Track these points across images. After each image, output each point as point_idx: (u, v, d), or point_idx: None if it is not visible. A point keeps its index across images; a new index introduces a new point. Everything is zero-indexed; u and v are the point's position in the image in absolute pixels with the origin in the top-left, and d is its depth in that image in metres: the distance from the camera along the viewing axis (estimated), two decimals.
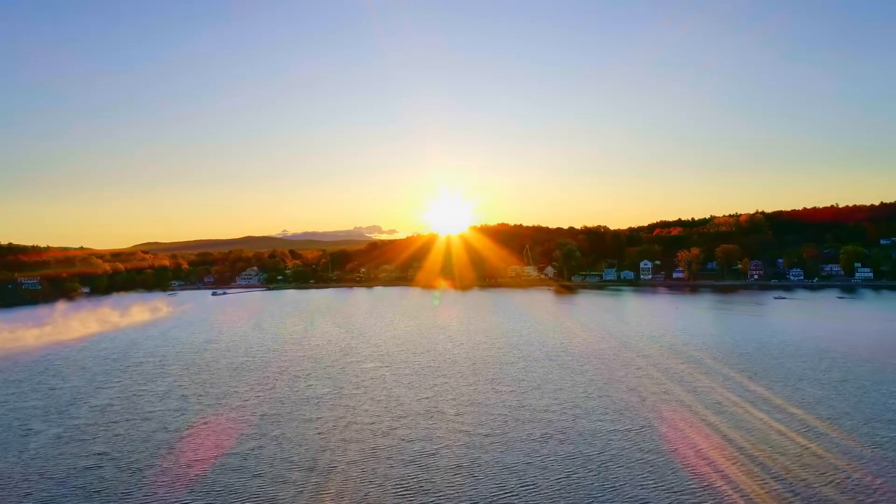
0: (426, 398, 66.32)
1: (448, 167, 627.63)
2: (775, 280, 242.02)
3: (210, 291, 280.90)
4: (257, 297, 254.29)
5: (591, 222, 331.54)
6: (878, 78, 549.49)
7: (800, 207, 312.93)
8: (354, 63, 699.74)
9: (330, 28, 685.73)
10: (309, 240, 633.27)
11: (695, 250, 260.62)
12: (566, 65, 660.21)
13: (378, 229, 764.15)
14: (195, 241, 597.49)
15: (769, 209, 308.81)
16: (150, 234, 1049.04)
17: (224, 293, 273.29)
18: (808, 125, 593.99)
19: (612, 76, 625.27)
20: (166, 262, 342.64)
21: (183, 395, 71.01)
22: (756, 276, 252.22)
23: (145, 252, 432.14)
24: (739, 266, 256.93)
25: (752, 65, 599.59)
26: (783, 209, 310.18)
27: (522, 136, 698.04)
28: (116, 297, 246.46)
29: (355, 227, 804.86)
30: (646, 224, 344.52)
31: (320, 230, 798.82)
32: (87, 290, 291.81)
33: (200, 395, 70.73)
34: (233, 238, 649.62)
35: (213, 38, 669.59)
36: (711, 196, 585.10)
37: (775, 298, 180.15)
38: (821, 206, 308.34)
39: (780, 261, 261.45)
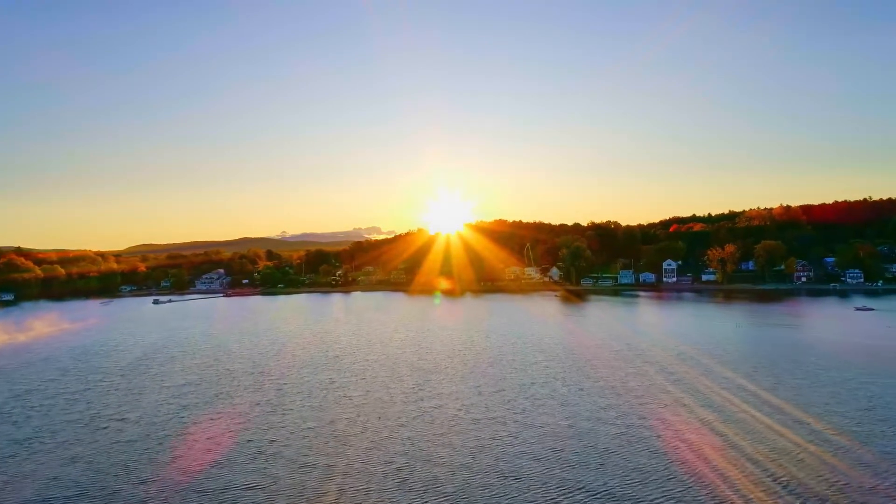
0: None
1: (447, 167, 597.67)
2: (834, 284, 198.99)
3: (152, 299, 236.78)
4: (206, 305, 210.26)
5: (594, 220, 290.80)
6: (879, 76, 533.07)
7: (822, 203, 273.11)
8: (353, 63, 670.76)
9: (329, 28, 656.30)
10: (308, 241, 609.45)
11: (730, 247, 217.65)
12: (566, 65, 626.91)
13: (377, 230, 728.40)
14: (191, 242, 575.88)
15: (794, 204, 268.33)
16: (147, 236, 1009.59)
17: (169, 301, 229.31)
18: (809, 124, 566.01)
19: (612, 76, 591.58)
20: (114, 266, 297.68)
21: None
22: (804, 279, 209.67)
23: (130, 254, 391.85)
24: (783, 267, 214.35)
25: (753, 63, 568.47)
26: (812, 203, 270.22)
27: (522, 136, 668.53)
28: (27, 307, 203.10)
29: (354, 229, 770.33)
30: (657, 220, 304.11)
31: (319, 231, 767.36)
32: (10, 297, 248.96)
33: None
34: (230, 239, 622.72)
35: (213, 38, 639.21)
36: (719, 194, 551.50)
37: (857, 310, 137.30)
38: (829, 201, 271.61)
39: (828, 260, 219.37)
